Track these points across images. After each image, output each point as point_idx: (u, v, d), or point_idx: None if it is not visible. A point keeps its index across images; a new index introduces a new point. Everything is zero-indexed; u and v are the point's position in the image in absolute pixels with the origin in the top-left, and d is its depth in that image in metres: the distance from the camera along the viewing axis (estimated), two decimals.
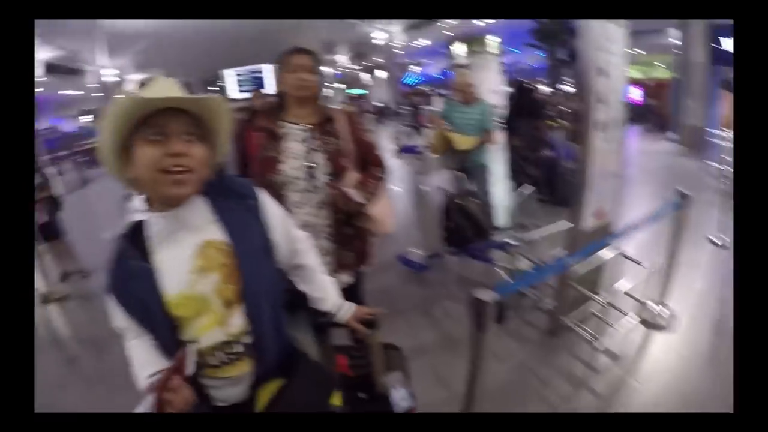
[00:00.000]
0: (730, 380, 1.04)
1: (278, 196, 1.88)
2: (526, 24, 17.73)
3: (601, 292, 3.02)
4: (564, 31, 17.42)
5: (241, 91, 26.42)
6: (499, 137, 4.56)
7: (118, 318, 1.06)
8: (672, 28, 11.65)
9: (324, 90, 2.04)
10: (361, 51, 26.44)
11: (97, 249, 6.99)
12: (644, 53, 15.39)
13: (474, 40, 16.39)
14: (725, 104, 6.69)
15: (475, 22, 16.67)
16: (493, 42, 16.71)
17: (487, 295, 1.51)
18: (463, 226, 3.51)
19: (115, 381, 2.98)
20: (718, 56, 8.72)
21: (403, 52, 24.97)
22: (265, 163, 1.93)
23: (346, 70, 25.83)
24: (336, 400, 1.19)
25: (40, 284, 4.94)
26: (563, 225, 3.08)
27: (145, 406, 0.93)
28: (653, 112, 13.29)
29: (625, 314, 2.92)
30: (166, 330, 1.00)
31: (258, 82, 26.79)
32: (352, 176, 1.96)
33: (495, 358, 2.55)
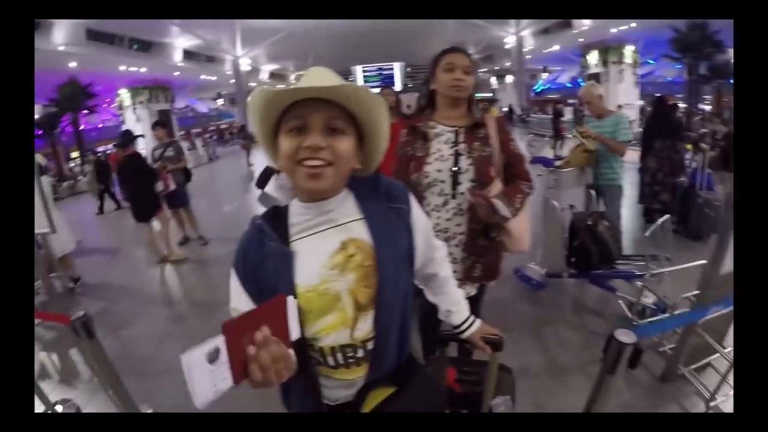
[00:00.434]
0: None
1: (418, 197, 1.83)
2: (665, 33, 16.32)
3: (729, 346, 2.64)
4: (707, 43, 15.76)
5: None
6: (630, 155, 4.17)
7: (238, 300, 1.01)
8: None
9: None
10: (490, 54, 26.09)
11: (217, 219, 7.69)
12: None
13: (609, 49, 15.48)
14: None
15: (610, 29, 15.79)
16: (628, 52, 15.65)
17: (627, 337, 1.35)
18: (589, 248, 3.26)
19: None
20: None
21: (530, 56, 24.32)
22: (410, 163, 1.87)
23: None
24: None
25: (162, 246, 5.48)
26: (699, 262, 2.74)
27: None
28: None
29: None
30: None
31: (386, 80, 27.71)
32: (497, 186, 1.84)
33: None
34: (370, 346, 0.99)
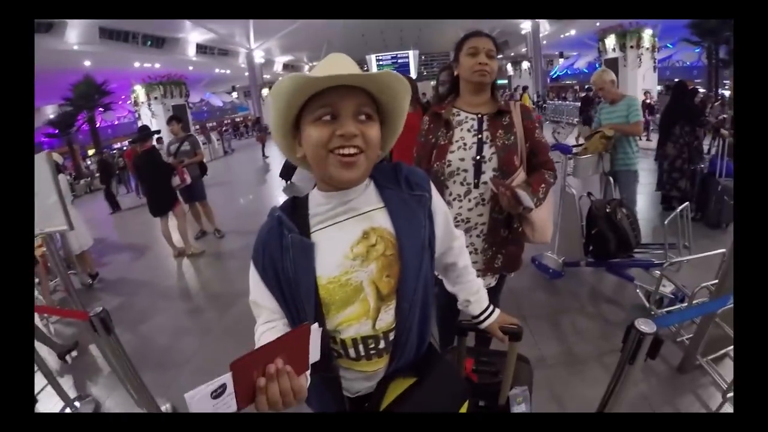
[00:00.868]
0: None
1: (440, 186, 1.81)
2: None
3: None
4: (727, 27, 15.36)
5: None
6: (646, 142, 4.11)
7: (258, 293, 0.99)
8: None
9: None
10: (506, 40, 25.77)
11: (234, 212, 7.74)
12: None
13: (627, 33, 15.15)
14: None
15: None
16: (647, 36, 15.32)
17: (648, 327, 1.32)
18: (607, 236, 3.20)
19: (229, 337, 3.35)
20: None
21: (546, 42, 24.02)
22: (433, 151, 1.83)
23: None
24: (463, 410, 1.09)
25: (177, 240, 5.54)
26: (717, 251, 2.68)
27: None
28: None
29: None
30: (309, 314, 0.93)
31: (401, 68, 27.71)
32: (521, 176, 1.79)
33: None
34: (391, 336, 0.98)
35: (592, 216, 3.39)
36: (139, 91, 16.59)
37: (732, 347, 2.50)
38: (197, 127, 21.36)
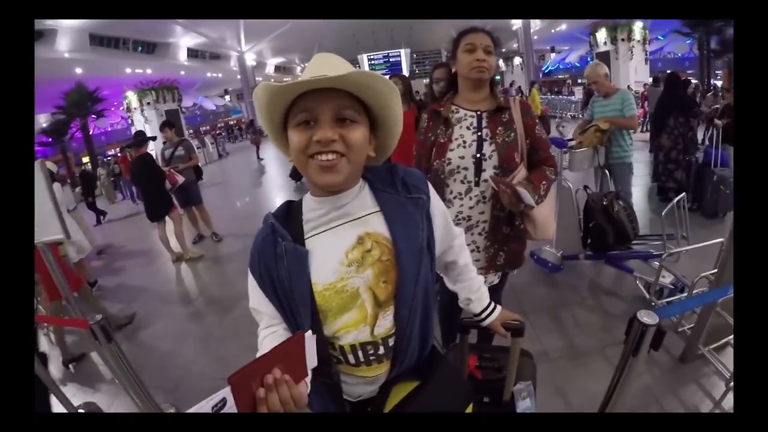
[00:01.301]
0: None
1: (440, 184, 1.80)
2: None
3: None
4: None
5: None
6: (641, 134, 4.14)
7: (257, 299, 0.99)
8: None
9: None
10: (497, 36, 25.87)
11: (231, 216, 7.70)
12: None
13: (618, 26, 15.23)
14: None
15: None
16: (637, 29, 15.39)
17: (650, 318, 1.32)
18: (605, 229, 3.21)
19: (231, 341, 3.32)
20: None
21: (537, 37, 24.06)
22: (432, 149, 1.82)
23: None
24: (468, 411, 1.08)
25: (174, 245, 5.52)
26: (716, 240, 2.69)
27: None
28: None
29: None
30: (306, 321, 0.92)
31: (393, 67, 27.72)
32: (522, 173, 1.77)
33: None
34: (391, 342, 0.96)
35: (589, 209, 3.40)
36: (132, 97, 16.56)
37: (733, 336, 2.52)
38: (191, 131, 21.30)
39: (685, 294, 2.79)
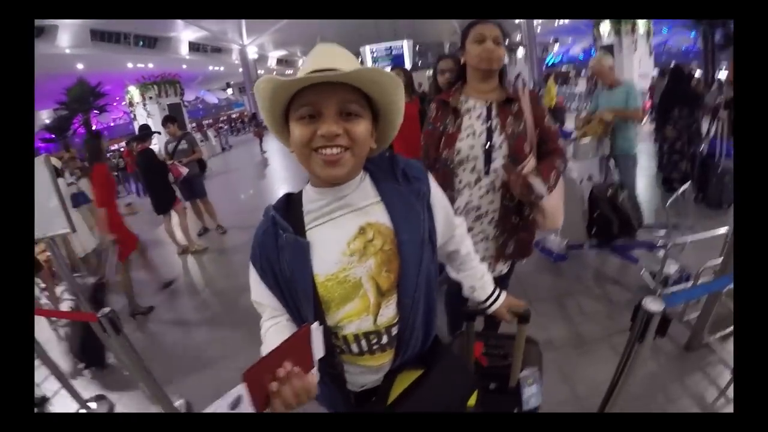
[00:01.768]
0: None
1: (449, 174, 1.82)
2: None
3: None
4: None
5: None
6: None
7: (259, 292, 0.99)
8: None
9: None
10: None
11: (235, 208, 7.72)
12: None
13: (622, 19, 15.10)
14: None
15: None
16: (642, 22, 15.26)
17: (655, 305, 1.33)
18: (609, 219, 3.22)
19: (237, 330, 3.35)
20: None
21: (540, 29, 23.94)
22: (441, 139, 1.82)
23: None
24: (472, 401, 1.09)
25: (180, 237, 5.56)
26: (721, 230, 2.70)
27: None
28: None
29: None
30: (309, 311, 0.92)
31: (396, 59, 27.56)
32: (531, 163, 1.78)
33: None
34: (394, 331, 0.97)
35: (593, 199, 3.41)
36: (134, 91, 16.49)
37: None
38: (194, 125, 21.28)
39: (690, 283, 2.80)
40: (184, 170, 5.46)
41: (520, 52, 25.41)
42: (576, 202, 3.56)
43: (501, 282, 1.83)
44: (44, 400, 2.82)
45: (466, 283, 1.26)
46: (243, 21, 24.16)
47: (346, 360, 0.99)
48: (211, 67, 29.38)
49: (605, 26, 15.60)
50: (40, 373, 2.72)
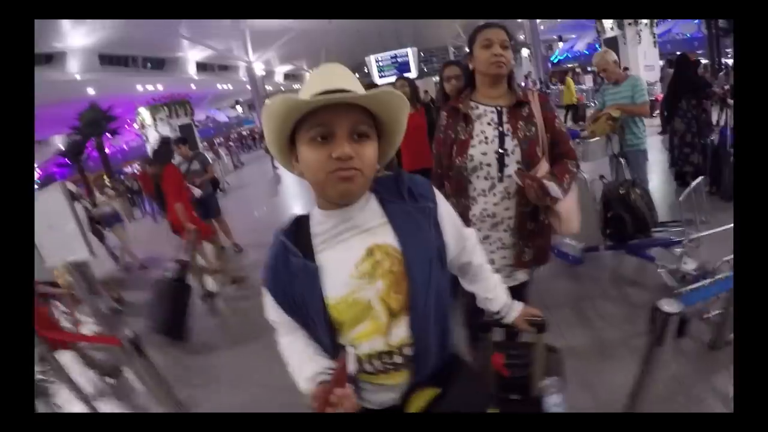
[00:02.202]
0: None
1: (463, 182, 1.82)
2: None
3: None
4: None
5: (381, 77, 27.16)
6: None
7: (273, 313, 1.01)
8: None
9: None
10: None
11: (250, 226, 7.73)
12: None
13: (622, 19, 15.04)
14: None
15: None
16: None
17: (672, 307, 1.32)
18: (624, 218, 3.18)
19: (259, 348, 3.27)
20: None
21: (543, 27, 23.86)
22: (453, 146, 1.82)
23: None
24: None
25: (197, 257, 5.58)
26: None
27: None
28: None
29: None
30: (323, 333, 0.95)
31: (401, 68, 27.64)
32: (544, 167, 1.76)
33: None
34: (407, 351, 0.97)
35: (606, 199, 3.37)
36: (144, 113, 16.74)
37: None
38: (205, 144, 21.53)
39: (709, 280, 2.76)
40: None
41: (525, 51, 25.30)
42: (589, 203, 3.53)
43: (521, 291, 1.82)
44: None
45: (480, 294, 1.27)
46: (248, 37, 24.40)
47: (362, 378, 1.00)
48: (219, 86, 29.75)
49: (608, 19, 15.53)
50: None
